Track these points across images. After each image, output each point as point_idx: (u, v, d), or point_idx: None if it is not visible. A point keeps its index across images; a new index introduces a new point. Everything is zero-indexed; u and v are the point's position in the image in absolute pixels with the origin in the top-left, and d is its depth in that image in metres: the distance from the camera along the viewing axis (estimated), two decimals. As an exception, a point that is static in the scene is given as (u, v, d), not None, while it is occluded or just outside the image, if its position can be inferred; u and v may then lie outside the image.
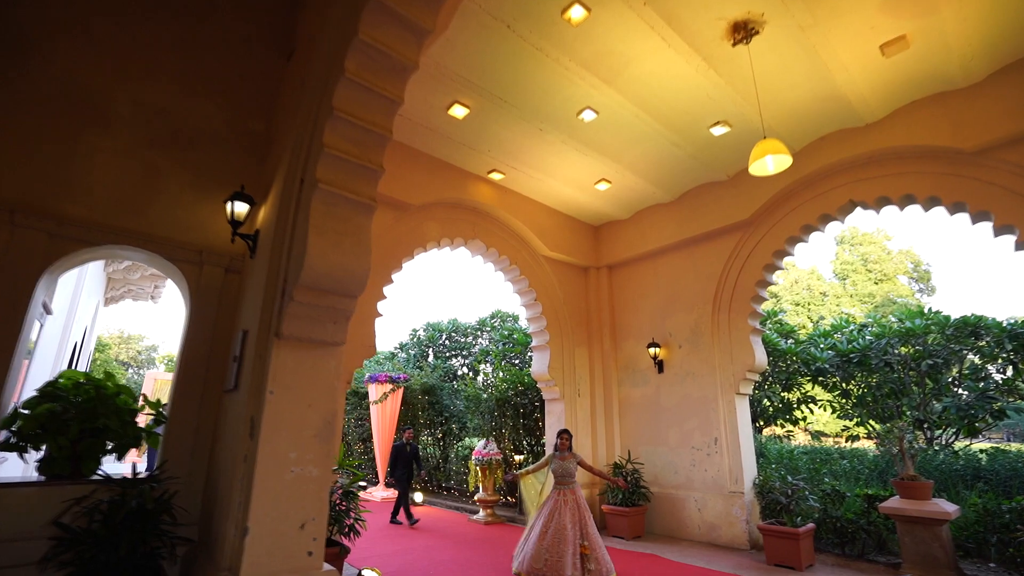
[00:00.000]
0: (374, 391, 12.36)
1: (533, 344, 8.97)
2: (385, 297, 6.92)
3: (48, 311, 5.74)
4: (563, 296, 9.08)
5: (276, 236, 3.69)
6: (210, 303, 4.18)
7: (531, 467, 5.78)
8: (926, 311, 9.67)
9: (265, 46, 5.30)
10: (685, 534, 7.52)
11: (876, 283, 33.67)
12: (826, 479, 7.06)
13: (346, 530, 5.06)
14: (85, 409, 3.56)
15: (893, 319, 10.28)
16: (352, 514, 5.16)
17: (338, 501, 5.10)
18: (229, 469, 3.40)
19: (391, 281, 7.00)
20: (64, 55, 4.14)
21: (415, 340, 15.83)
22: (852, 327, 10.83)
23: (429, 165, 7.41)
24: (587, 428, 8.73)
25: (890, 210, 6.82)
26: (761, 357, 7.53)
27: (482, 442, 9.24)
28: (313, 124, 3.66)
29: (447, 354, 15.14)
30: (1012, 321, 8.72)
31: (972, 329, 8.91)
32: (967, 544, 5.96)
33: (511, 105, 6.32)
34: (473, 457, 9.06)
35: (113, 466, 6.72)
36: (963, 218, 6.26)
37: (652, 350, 8.31)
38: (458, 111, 6.38)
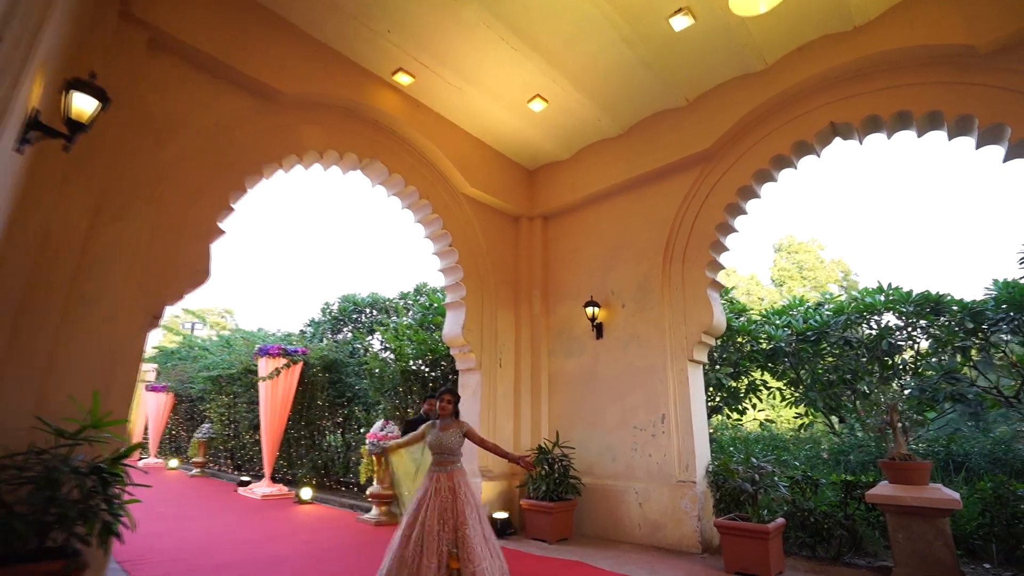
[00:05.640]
0: (264, 366, 10.24)
1: (447, 301, 7.27)
2: (232, 210, 5.03)
3: None
4: (486, 246, 7.44)
5: None
6: None
7: (404, 439, 4.09)
8: (885, 287, 8.76)
9: None
10: (622, 535, 6.04)
11: (811, 290, 34.57)
12: (795, 463, 5.81)
13: (98, 530, 3.15)
14: None
15: (855, 293, 9.40)
16: (116, 502, 3.25)
17: (92, 485, 3.19)
18: None
19: (243, 189, 5.11)
20: None
21: (328, 315, 13.73)
22: (807, 305, 9.91)
23: (310, 50, 5.59)
24: (509, 406, 7.11)
25: (877, 139, 5.66)
26: (720, 316, 6.19)
27: (379, 423, 7.42)
28: None
29: (364, 331, 13.13)
30: (972, 301, 7.92)
31: (933, 305, 8.02)
32: (972, 540, 4.76)
33: (413, -50, 4.65)
34: (367, 441, 7.24)
35: None
36: (965, 143, 5.15)
37: (590, 310, 6.82)
38: (340, -46, 4.64)
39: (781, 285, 35.24)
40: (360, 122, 6.24)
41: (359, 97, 5.98)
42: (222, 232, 4.91)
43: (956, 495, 4.29)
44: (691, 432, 5.84)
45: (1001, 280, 7.14)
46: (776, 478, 4.82)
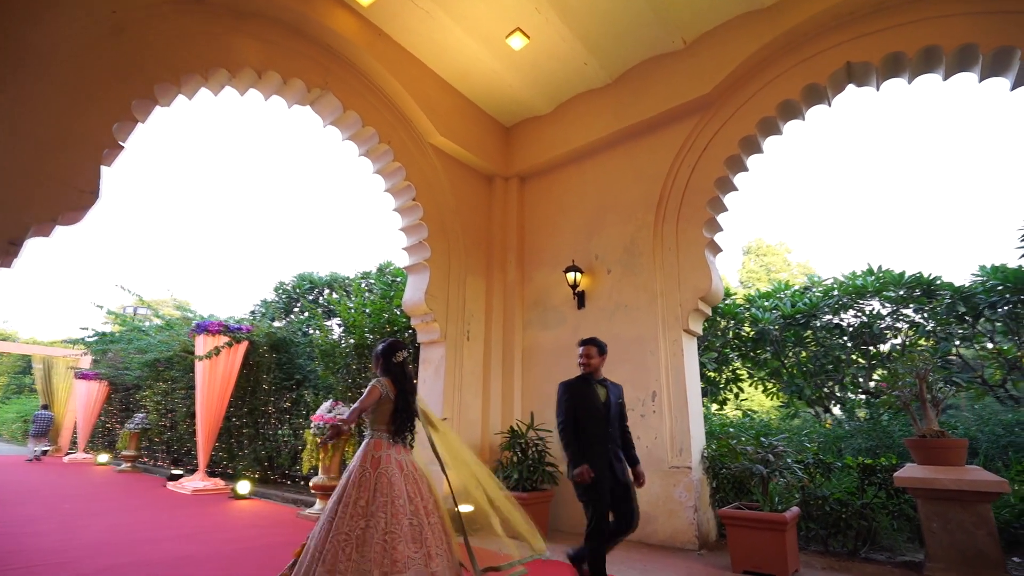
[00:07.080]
0: (203, 345, 9.06)
1: (408, 264, 6.36)
2: (136, 121, 4.03)
3: None
4: (455, 203, 6.56)
5: None
6: None
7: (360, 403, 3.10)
8: (875, 269, 8.32)
9: None
10: (604, 529, 5.25)
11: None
12: (807, 444, 5.17)
13: None
14: None
15: (842, 277, 8.95)
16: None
17: None
18: None
19: (152, 100, 4.10)
20: None
21: (282, 294, 12.55)
22: (794, 288, 9.43)
23: (247, -55, 4.64)
24: (477, 384, 6.25)
25: (895, 84, 5.07)
26: (718, 281, 5.50)
27: (327, 404, 6.44)
28: None
29: (322, 314, 12.04)
30: (963, 285, 7.52)
31: (925, 288, 7.58)
32: (1014, 529, 4.16)
33: None
34: (312, 424, 6.25)
35: None
36: (999, 85, 4.57)
37: (571, 276, 6.03)
38: None
39: (749, 287, 35.60)
40: (309, 43, 5.30)
41: (307, 11, 5.04)
42: (120, 147, 3.91)
43: (1000, 478, 3.67)
44: (686, 411, 5.11)
45: (989, 266, 6.81)
46: (790, 460, 4.10)
